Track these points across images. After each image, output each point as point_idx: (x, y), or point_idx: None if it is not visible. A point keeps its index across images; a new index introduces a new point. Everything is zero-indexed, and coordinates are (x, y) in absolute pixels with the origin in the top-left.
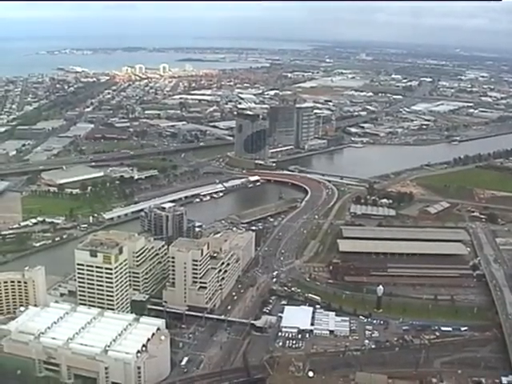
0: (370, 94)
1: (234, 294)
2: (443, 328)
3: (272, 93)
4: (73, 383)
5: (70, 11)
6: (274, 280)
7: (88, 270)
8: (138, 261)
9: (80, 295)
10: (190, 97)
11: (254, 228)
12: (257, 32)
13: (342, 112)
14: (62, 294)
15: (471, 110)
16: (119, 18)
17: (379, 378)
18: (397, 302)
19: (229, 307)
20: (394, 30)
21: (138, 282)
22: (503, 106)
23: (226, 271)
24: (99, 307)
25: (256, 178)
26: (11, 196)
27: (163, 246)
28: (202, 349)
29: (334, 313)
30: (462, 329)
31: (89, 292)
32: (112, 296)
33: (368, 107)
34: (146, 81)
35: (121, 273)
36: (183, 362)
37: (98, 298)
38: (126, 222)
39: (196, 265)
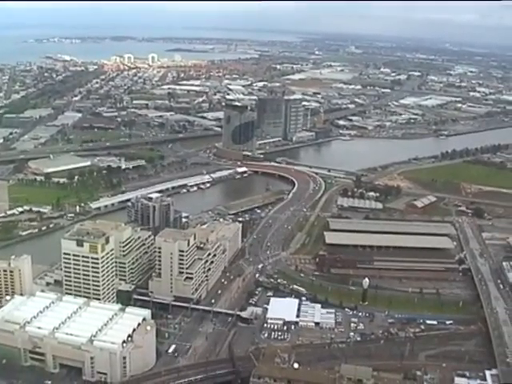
0: (359, 86)
1: (220, 284)
2: (428, 321)
3: (261, 84)
4: (58, 373)
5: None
6: (261, 271)
7: (74, 260)
8: (124, 251)
9: (66, 285)
10: (178, 87)
11: (240, 219)
12: (246, 24)
13: (331, 104)
14: (48, 284)
15: (459, 105)
16: (108, 7)
17: (364, 370)
18: (382, 295)
19: (215, 298)
20: (384, 24)
21: (125, 271)
22: (491, 101)
23: (212, 262)
24: (85, 297)
25: (243, 169)
26: None
27: (150, 237)
28: (188, 339)
29: (319, 305)
30: (447, 322)
31: (75, 281)
32: (98, 286)
33: (356, 100)
34: (134, 70)
35: (107, 262)
36: (170, 351)
37: (84, 288)
38: (113, 211)
39: (182, 255)
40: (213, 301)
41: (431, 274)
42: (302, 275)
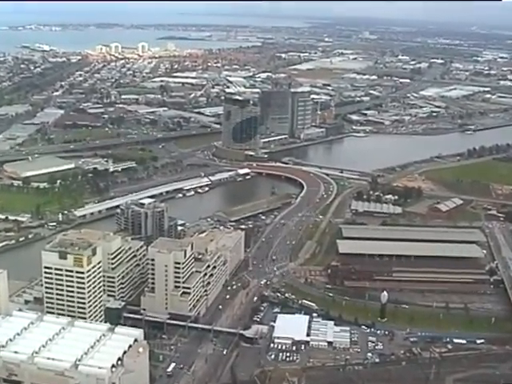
0: (374, 77)
1: (220, 300)
2: (456, 340)
3: (264, 75)
4: None
5: None
6: (266, 285)
7: (56, 274)
8: (113, 263)
9: (47, 302)
10: (172, 80)
11: (243, 227)
12: (247, 8)
13: (343, 97)
14: (26, 302)
15: (488, 96)
16: None
17: None
18: (403, 311)
19: (215, 315)
20: (402, 6)
21: (114, 287)
22: None
23: (212, 275)
24: (69, 316)
25: (246, 170)
26: None
27: (142, 247)
28: (186, 362)
29: (332, 322)
30: (478, 341)
31: (57, 299)
32: (84, 303)
33: (371, 92)
34: (122, 61)
35: (94, 277)
36: (165, 375)
37: (68, 306)
38: (100, 219)
39: (178, 268)
40: (215, 315)
41: (458, 286)
42: (312, 289)
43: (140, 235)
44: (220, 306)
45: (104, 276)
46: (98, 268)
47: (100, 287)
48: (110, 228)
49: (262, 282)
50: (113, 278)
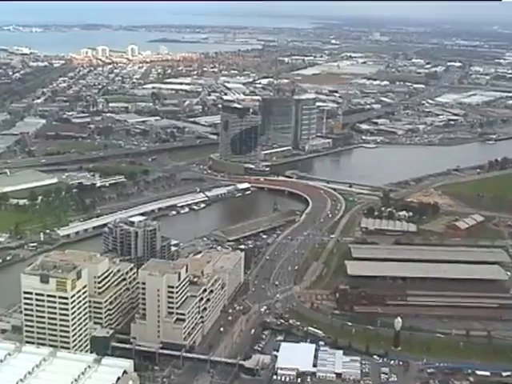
0: (386, 82)
1: (218, 327)
2: (479, 372)
3: (265, 81)
4: None
5: None
6: (268, 310)
7: (37, 300)
8: (100, 287)
9: (27, 331)
10: (164, 86)
11: (242, 247)
12: (247, 7)
13: (351, 105)
14: (3, 331)
15: (511, 102)
16: None
17: None
18: (419, 339)
19: (212, 344)
20: (416, 4)
21: (101, 313)
22: None
23: (208, 300)
24: (51, 346)
25: (246, 185)
26: None
27: (132, 269)
28: None
29: (341, 351)
30: (504, 374)
31: (38, 327)
32: (67, 331)
33: (383, 99)
34: (110, 66)
35: (79, 302)
36: None
37: (50, 335)
38: (86, 239)
39: (172, 292)
40: (213, 344)
41: (480, 311)
42: (318, 314)
43: (130, 256)
44: (218, 334)
45: (90, 301)
46: (84, 293)
47: (85, 314)
48: (96, 249)
49: (264, 308)
50: (100, 303)
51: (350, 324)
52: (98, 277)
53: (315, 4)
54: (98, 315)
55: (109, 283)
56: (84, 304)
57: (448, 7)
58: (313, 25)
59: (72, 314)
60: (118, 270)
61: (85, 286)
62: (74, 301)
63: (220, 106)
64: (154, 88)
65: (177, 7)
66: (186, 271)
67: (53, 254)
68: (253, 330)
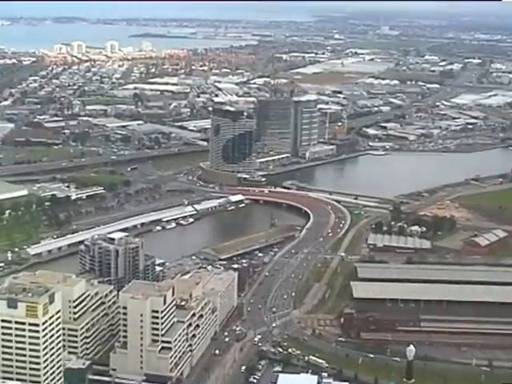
0: (395, 82)
1: (209, 357)
2: None
3: (261, 81)
4: None
5: None
6: (265, 338)
7: (4, 328)
8: (75, 313)
9: None
10: (148, 87)
11: (236, 266)
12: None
13: (357, 107)
14: None
15: None
16: None
17: None
18: (435, 369)
19: (202, 376)
20: None
21: (76, 342)
22: None
23: (198, 326)
24: (19, 380)
25: (239, 197)
26: None
27: (111, 292)
28: None
29: (347, 383)
30: None
31: (4, 358)
32: (38, 363)
33: (392, 100)
34: (87, 64)
35: (51, 330)
36: None
37: (18, 367)
38: (60, 258)
39: (157, 317)
40: (202, 376)
41: (504, 339)
42: (321, 342)
43: (109, 278)
44: (208, 365)
45: (64, 329)
46: (57, 319)
47: (59, 343)
48: (71, 269)
49: (260, 335)
50: (75, 330)
51: (356, 353)
52: (74, 301)
53: None
54: (73, 344)
55: (85, 308)
56: (57, 332)
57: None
58: (314, 18)
59: (44, 343)
60: (96, 293)
61: (58, 312)
62: (45, 328)
63: (210, 108)
64: (136, 89)
65: None
66: (173, 294)
67: (22, 275)
68: (247, 360)
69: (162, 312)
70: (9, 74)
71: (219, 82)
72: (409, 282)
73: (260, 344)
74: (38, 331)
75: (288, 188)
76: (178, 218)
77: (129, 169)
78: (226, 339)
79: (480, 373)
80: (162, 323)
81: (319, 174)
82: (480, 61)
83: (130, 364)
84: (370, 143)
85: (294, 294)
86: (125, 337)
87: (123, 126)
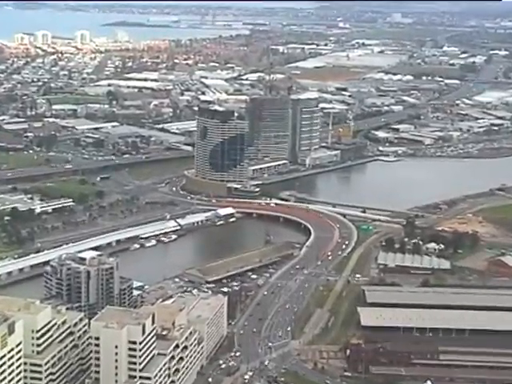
0: (409, 77)
1: None
2: None
3: (254, 77)
4: None
5: None
6: (259, 372)
7: None
8: (39, 345)
9: None
10: (124, 83)
11: (225, 290)
12: None
13: (365, 106)
14: None
15: None
16: None
17: None
18: None
19: None
20: None
21: (40, 378)
22: None
23: (181, 359)
24: None
25: (229, 210)
26: None
27: (82, 321)
28: None
29: None
30: None
31: None
32: None
33: (405, 99)
34: (53, 57)
35: (11, 365)
36: None
37: None
38: (22, 281)
39: (134, 349)
40: None
41: None
42: (324, 377)
43: (79, 303)
44: None
45: (26, 363)
46: (18, 352)
47: (20, 380)
48: (35, 294)
49: (253, 369)
50: (39, 366)
51: None
52: (37, 331)
53: None
54: (36, 382)
55: (51, 339)
56: (18, 367)
57: None
58: (314, 4)
59: (2, 380)
60: (64, 322)
61: (19, 344)
62: (4, 363)
63: (196, 108)
64: (110, 85)
65: None
66: (153, 322)
67: None
68: None
69: (140, 343)
70: None
71: (206, 77)
72: (425, 307)
73: (253, 380)
74: None
75: (285, 199)
76: (159, 235)
77: (98, 178)
78: (215, 374)
79: None
80: (141, 356)
81: (321, 183)
82: (507, 52)
83: None
84: (380, 148)
85: (292, 322)
86: (97, 372)
87: (95, 129)
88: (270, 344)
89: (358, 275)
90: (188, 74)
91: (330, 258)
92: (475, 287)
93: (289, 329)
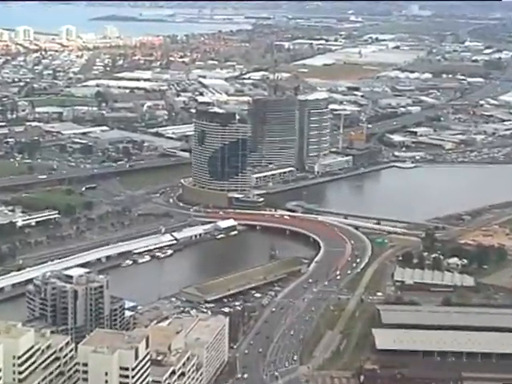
0: (427, 75)
1: None
2: None
3: (257, 76)
4: None
5: None
6: None
7: None
8: (21, 372)
9: None
10: (115, 83)
11: (227, 310)
12: None
13: (379, 108)
14: None
15: None
16: None
17: None
18: None
19: None
20: None
21: None
22: None
23: None
24: None
25: (230, 222)
26: None
27: (68, 345)
28: None
29: None
30: None
31: None
32: None
33: (424, 99)
34: (36, 55)
35: None
36: None
37: None
38: (2, 302)
39: (127, 376)
40: None
41: None
42: None
43: (65, 326)
44: None
45: None
46: None
47: None
48: (17, 316)
49: None
50: None
51: None
52: (19, 356)
53: None
54: None
55: (34, 365)
56: None
57: None
58: None
59: None
60: (49, 347)
61: None
62: None
63: (193, 110)
64: (99, 86)
65: None
66: (147, 346)
67: None
68: None
69: (132, 369)
70: None
71: (204, 77)
72: (447, 329)
73: None
74: None
75: (292, 210)
76: (154, 250)
77: (84, 188)
78: None
79: None
80: (134, 383)
81: (331, 192)
82: None
83: None
84: (396, 153)
85: (300, 346)
86: None
87: (83, 134)
88: (276, 370)
89: (372, 293)
90: (184, 73)
91: (341, 274)
92: (502, 307)
93: (297, 353)
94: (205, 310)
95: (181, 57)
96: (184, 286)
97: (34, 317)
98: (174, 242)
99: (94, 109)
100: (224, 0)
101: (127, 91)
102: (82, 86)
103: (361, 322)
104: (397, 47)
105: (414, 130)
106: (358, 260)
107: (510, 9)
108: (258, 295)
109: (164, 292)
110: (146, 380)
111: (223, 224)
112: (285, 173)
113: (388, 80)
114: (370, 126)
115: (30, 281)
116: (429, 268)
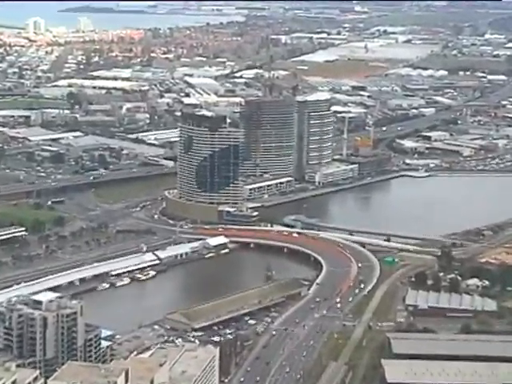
0: (443, 72)
1: None
2: None
3: (250, 74)
4: None
5: None
6: None
7: None
8: None
9: None
10: (89, 83)
11: (217, 339)
12: None
13: (388, 109)
14: None
15: None
16: None
17: None
18: None
19: None
20: None
21: None
22: None
23: None
24: None
25: (221, 239)
26: None
27: (36, 380)
28: None
29: None
30: None
31: None
32: None
33: (438, 99)
34: (0, 51)
35: None
36: None
37: None
38: None
39: None
40: None
41: None
42: None
43: (34, 358)
44: None
45: None
46: None
47: None
48: None
49: None
50: None
51: None
52: None
53: None
54: None
55: None
56: None
57: None
58: None
59: None
60: (14, 383)
61: None
62: None
63: (178, 113)
64: (71, 86)
65: None
66: (126, 380)
67: None
68: None
69: None
70: None
71: (191, 75)
72: (466, 360)
73: None
74: None
75: (290, 226)
76: (134, 271)
77: (52, 202)
78: None
79: None
80: None
81: (335, 205)
82: None
83: None
84: (408, 160)
85: (301, 379)
86: None
87: (53, 140)
88: None
89: (381, 319)
90: (168, 71)
91: (346, 298)
92: None
93: None
94: (192, 339)
95: (164, 53)
96: (168, 311)
97: None
98: (157, 261)
99: (66, 112)
100: None
101: (103, 92)
102: (52, 86)
103: (368, 352)
104: (408, 41)
105: (428, 134)
106: (365, 282)
107: (506, 1)
108: (252, 322)
109: (146, 319)
110: None
111: (213, 241)
112: (282, 183)
113: (398, 78)
114: (376, 129)
115: None
116: (445, 290)
